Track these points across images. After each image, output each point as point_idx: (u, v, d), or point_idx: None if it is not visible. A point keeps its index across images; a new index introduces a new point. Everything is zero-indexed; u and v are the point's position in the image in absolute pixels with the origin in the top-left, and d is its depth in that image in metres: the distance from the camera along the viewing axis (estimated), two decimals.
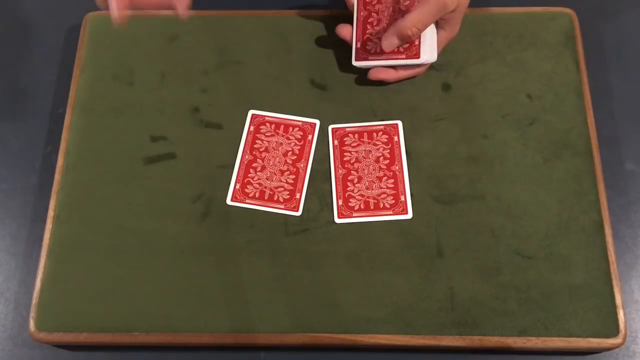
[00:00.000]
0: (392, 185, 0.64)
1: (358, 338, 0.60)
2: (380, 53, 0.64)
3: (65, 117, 0.70)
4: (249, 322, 0.61)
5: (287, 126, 0.68)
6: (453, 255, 0.63)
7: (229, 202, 0.65)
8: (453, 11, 0.62)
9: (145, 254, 0.63)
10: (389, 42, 0.62)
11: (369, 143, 0.66)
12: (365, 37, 0.63)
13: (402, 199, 0.64)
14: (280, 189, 0.65)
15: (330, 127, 0.68)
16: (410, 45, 0.63)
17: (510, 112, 0.69)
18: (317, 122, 0.68)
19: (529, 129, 0.68)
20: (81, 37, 0.74)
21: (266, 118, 0.68)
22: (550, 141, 0.67)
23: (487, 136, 0.68)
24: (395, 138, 0.66)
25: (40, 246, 0.64)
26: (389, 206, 0.64)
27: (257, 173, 0.66)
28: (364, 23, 0.64)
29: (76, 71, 0.72)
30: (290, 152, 0.66)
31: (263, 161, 0.66)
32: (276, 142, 0.67)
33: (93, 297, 0.62)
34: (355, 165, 0.65)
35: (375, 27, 0.64)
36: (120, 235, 0.64)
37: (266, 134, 0.67)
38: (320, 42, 0.72)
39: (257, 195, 0.65)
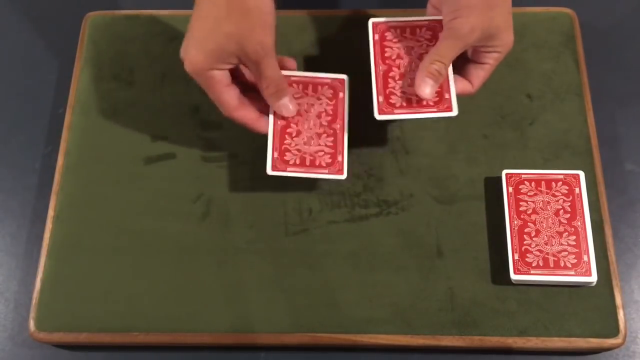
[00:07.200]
0: (331, 144, 0.62)
1: (358, 338, 0.60)
2: (407, 106, 0.61)
3: (65, 117, 0.70)
4: (249, 322, 0.61)
5: (315, 85, 0.64)
6: (453, 255, 0.63)
7: (269, 172, 0.61)
8: (492, 48, 0.59)
9: (145, 254, 0.63)
10: (423, 87, 0.58)
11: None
12: (387, 90, 0.61)
13: (339, 159, 0.61)
14: (320, 153, 0.62)
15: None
16: (441, 99, 0.60)
17: (510, 112, 0.69)
18: (345, 77, 0.64)
19: (529, 129, 0.68)
20: (81, 37, 0.74)
21: (292, 78, 0.63)
22: (550, 141, 0.67)
23: (487, 136, 0.68)
24: (340, 94, 0.63)
25: (40, 246, 0.64)
26: (325, 165, 0.61)
27: (294, 139, 0.62)
28: (384, 77, 0.62)
29: (76, 71, 0.72)
30: (324, 113, 0.63)
31: (297, 125, 0.63)
32: (307, 103, 0.63)
33: (93, 297, 0.62)
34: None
35: (397, 81, 0.61)
36: (120, 235, 0.64)
37: (295, 96, 0.63)
38: (320, 42, 0.72)
39: (297, 162, 0.61)
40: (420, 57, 0.61)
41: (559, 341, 0.59)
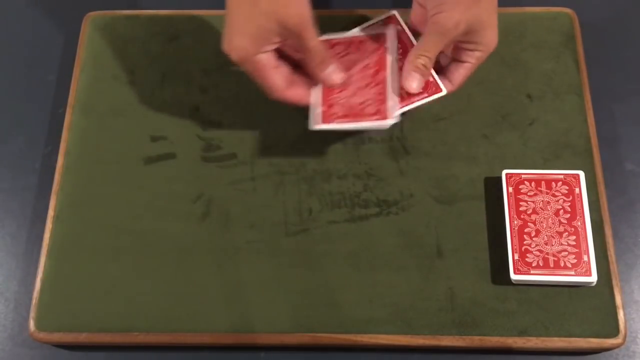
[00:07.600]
0: (380, 94, 0.61)
1: (358, 338, 0.60)
2: (346, 116, 0.61)
3: (65, 117, 0.70)
4: (249, 322, 0.61)
5: (357, 43, 0.64)
6: (453, 255, 0.63)
7: (314, 127, 0.62)
8: (474, 46, 0.59)
9: (145, 254, 0.63)
10: (410, 81, 0.59)
11: None
12: (329, 101, 0.62)
13: (382, 107, 0.61)
14: (368, 102, 0.62)
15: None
16: (427, 83, 0.61)
17: (510, 112, 0.69)
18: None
19: (529, 129, 0.68)
20: (81, 37, 0.74)
21: (332, 41, 0.65)
22: (550, 141, 0.67)
23: (487, 136, 0.68)
24: None
25: (40, 246, 0.64)
26: (371, 113, 0.61)
27: (341, 92, 0.62)
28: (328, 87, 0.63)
29: (76, 71, 0.72)
30: (371, 64, 0.63)
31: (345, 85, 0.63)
32: (350, 59, 0.64)
33: (93, 297, 0.62)
34: None
35: (340, 92, 0.63)
36: (120, 235, 0.64)
37: (340, 54, 0.64)
38: None
39: (342, 114, 0.62)
40: (366, 67, 0.63)
41: (559, 341, 0.59)
